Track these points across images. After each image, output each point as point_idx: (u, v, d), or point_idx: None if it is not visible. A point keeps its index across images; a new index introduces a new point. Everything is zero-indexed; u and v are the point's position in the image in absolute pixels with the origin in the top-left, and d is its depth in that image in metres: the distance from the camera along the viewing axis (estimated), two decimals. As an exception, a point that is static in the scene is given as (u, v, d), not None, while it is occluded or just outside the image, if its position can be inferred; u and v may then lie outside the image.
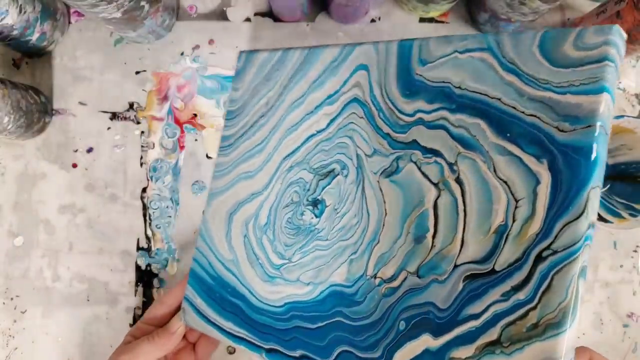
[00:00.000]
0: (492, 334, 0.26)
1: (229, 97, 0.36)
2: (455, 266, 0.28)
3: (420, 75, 0.29)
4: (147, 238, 0.44)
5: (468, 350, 0.27)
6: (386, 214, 0.30)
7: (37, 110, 0.42)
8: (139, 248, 0.44)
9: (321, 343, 0.31)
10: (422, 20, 0.46)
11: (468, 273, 0.27)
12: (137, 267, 0.44)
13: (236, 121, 0.36)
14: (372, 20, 0.46)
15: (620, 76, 0.45)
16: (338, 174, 0.32)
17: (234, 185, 0.35)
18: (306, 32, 0.45)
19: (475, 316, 0.27)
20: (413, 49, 0.30)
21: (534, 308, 0.25)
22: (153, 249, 0.44)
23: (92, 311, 0.44)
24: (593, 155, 0.24)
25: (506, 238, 0.26)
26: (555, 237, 0.25)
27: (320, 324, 0.32)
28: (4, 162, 0.45)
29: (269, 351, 0.33)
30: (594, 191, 0.23)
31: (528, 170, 0.26)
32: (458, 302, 0.28)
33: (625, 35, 0.24)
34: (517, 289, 0.26)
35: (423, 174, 0.29)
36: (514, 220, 0.26)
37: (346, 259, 0.31)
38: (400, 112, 0.30)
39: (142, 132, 0.45)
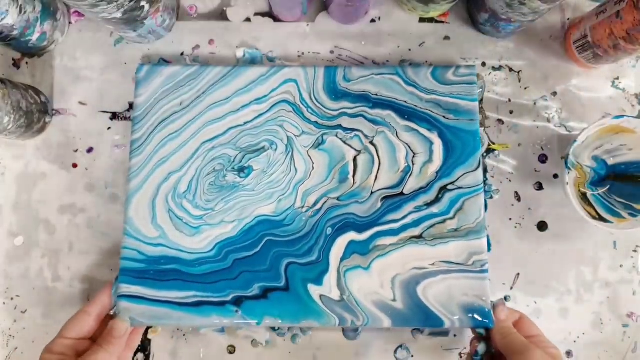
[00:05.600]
0: (414, 232, 0.38)
1: (134, 105, 0.41)
2: (372, 192, 0.39)
3: (345, 88, 0.41)
4: (147, 238, 0.44)
5: (392, 239, 0.38)
6: (313, 168, 0.40)
7: (37, 110, 0.42)
8: (139, 248, 0.44)
9: (265, 265, 0.38)
10: (422, 20, 0.46)
11: (384, 195, 0.39)
12: (137, 267, 0.44)
13: (143, 123, 0.40)
14: (372, 20, 0.46)
15: (620, 76, 0.45)
16: (267, 149, 0.40)
17: (152, 174, 0.40)
18: (306, 32, 0.45)
19: (395, 221, 0.38)
20: (338, 71, 0.41)
21: (452, 219, 0.38)
22: (153, 249, 0.44)
23: (92, 311, 0.43)
24: (478, 138, 0.40)
25: (410, 175, 0.39)
26: (458, 179, 0.39)
27: (255, 250, 0.38)
28: (4, 162, 0.45)
29: (236, 303, 0.37)
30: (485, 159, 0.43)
31: (423, 137, 0.40)
32: (379, 212, 0.38)
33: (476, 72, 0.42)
34: (429, 204, 0.38)
35: (345, 143, 0.40)
36: (413, 164, 0.39)
37: (275, 200, 0.39)
38: (327, 108, 0.41)
39: (142, 132, 0.45)
